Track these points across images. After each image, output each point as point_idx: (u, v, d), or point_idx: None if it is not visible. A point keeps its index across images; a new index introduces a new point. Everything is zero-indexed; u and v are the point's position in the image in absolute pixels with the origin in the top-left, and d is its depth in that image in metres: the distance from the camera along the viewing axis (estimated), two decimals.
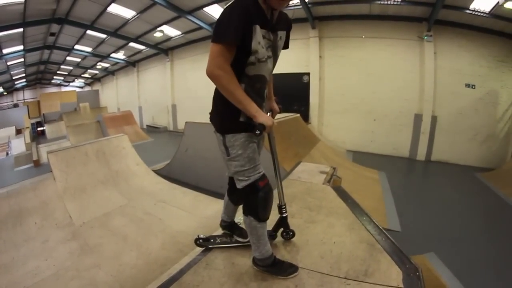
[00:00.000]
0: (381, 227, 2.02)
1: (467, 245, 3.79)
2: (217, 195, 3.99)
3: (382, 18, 9.00)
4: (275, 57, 1.45)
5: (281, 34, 1.44)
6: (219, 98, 1.41)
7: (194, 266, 1.70)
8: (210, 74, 1.25)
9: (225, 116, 1.43)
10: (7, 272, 2.52)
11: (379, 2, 8.21)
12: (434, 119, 8.82)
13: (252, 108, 1.32)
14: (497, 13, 7.33)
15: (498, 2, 6.86)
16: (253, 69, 1.35)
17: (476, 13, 7.59)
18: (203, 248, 1.87)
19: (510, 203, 5.45)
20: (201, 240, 1.86)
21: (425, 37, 8.51)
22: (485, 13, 7.51)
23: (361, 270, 1.58)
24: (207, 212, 3.54)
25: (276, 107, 1.80)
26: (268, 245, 1.55)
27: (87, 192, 3.88)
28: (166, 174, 5.19)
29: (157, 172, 5.17)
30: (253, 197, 1.43)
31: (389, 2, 8.09)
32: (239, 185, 1.46)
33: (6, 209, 3.20)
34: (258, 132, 1.32)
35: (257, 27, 1.27)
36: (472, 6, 7.46)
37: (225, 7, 1.27)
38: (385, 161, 8.52)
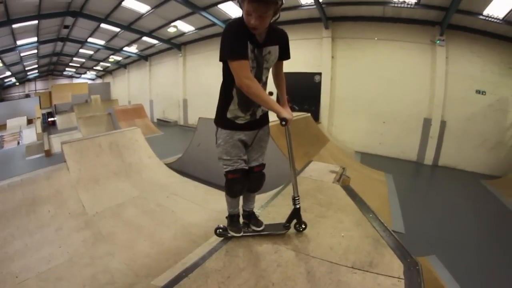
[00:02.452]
0: (385, 225, 2.11)
1: (468, 250, 3.83)
2: None
3: (395, 21, 8.99)
4: (258, 68, 1.67)
5: (271, 49, 1.67)
6: (219, 96, 1.77)
7: (215, 253, 1.82)
8: (241, 85, 1.54)
9: (218, 112, 1.78)
10: (22, 258, 2.57)
11: (393, 5, 8.20)
12: (443, 124, 8.80)
13: (276, 106, 1.62)
14: (510, 19, 7.28)
15: None
16: None
17: (490, 19, 7.54)
18: (222, 238, 1.99)
19: None
20: (221, 230, 1.99)
21: (437, 41, 8.47)
22: (498, 19, 7.47)
23: (366, 261, 1.70)
24: (218, 206, 3.58)
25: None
26: (233, 207, 1.94)
27: (100, 183, 3.93)
28: (178, 168, 5.26)
29: (169, 165, 5.24)
30: (225, 182, 1.84)
31: (402, 5, 8.08)
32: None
33: (20, 196, 3.23)
34: (284, 123, 1.64)
35: (248, 43, 1.55)
36: (485, 12, 7.43)
37: (224, 29, 1.56)
38: (393, 163, 8.55)
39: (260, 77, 1.69)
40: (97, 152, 4.32)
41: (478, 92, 8.49)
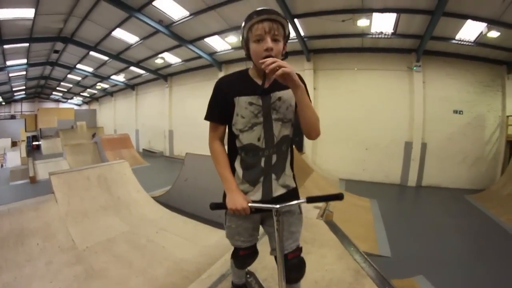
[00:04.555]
0: (365, 256, 2.31)
1: (456, 267, 3.92)
2: (216, 224, 4.10)
3: (373, 51, 9.42)
4: (266, 122, 1.35)
5: (282, 94, 1.35)
6: None
7: None
8: (209, 148, 1.45)
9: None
10: None
11: (371, 36, 8.61)
12: (424, 146, 9.13)
13: (226, 185, 1.38)
14: (481, 41, 7.84)
15: (481, 32, 7.35)
16: (240, 140, 1.37)
17: (462, 42, 8.09)
18: (215, 275, 2.08)
19: (499, 222, 5.66)
20: None
21: (414, 68, 8.94)
22: (470, 42, 8.02)
23: None
24: (208, 241, 3.62)
25: None
26: (239, 278, 1.85)
27: (89, 216, 3.88)
28: (165, 201, 5.22)
29: (156, 199, 5.22)
30: (233, 252, 1.63)
31: (380, 36, 8.50)
32: None
33: (7, 226, 3.14)
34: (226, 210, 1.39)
35: (239, 98, 1.33)
36: (458, 36, 7.98)
37: None
38: (377, 188, 8.69)
39: (271, 134, 1.36)
40: (86, 185, 4.28)
41: (455, 112, 8.95)
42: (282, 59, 1.26)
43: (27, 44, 11.55)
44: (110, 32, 10.65)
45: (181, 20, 9.16)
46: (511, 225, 5.41)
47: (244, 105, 1.34)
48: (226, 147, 1.46)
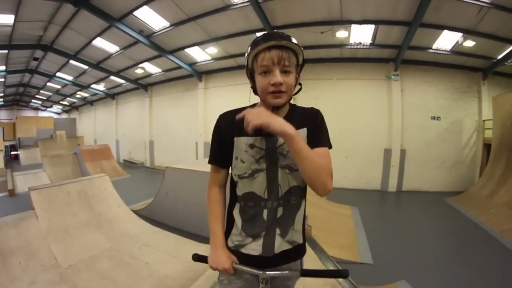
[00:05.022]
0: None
1: (437, 269, 3.99)
2: (198, 237, 4.13)
3: (352, 61, 9.63)
4: (271, 168, 1.11)
5: None
6: None
7: None
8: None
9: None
10: None
11: (350, 47, 8.81)
12: (403, 152, 9.37)
13: (211, 240, 1.19)
14: (457, 50, 8.19)
15: (457, 41, 7.68)
16: (239, 187, 1.16)
17: (439, 51, 8.41)
18: None
19: (478, 223, 5.84)
20: None
21: (392, 77, 9.21)
22: (447, 51, 8.35)
23: None
24: (190, 256, 3.57)
25: None
26: None
27: (70, 233, 3.83)
28: (147, 215, 5.22)
29: (137, 212, 5.20)
30: None
31: (359, 46, 8.71)
32: None
33: None
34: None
35: (239, 138, 1.12)
36: (435, 46, 8.29)
37: None
38: (358, 195, 8.77)
39: (275, 184, 1.12)
40: (66, 200, 4.23)
41: (433, 118, 9.27)
42: (297, 92, 1.17)
43: (5, 51, 11.29)
44: (91, 41, 10.52)
45: (161, 31, 9.16)
46: (490, 225, 5.59)
47: (243, 147, 1.12)
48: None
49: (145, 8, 7.96)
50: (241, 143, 1.12)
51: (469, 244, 5.04)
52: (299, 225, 1.21)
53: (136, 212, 5.18)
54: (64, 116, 27.67)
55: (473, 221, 6.05)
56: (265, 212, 1.14)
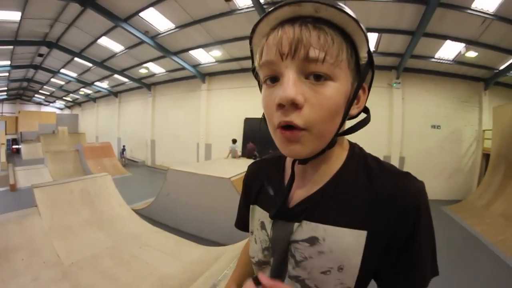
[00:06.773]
0: None
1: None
2: (197, 239, 4.20)
3: None
4: (278, 270, 0.63)
5: (323, 229, 0.57)
6: None
7: None
8: None
9: None
10: None
11: None
12: (402, 159, 9.39)
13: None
14: (459, 60, 8.22)
15: (460, 52, 7.71)
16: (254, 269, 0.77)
17: (441, 61, 8.45)
18: None
19: (473, 233, 5.83)
20: None
21: (394, 85, 9.24)
22: (449, 60, 8.39)
23: None
24: (190, 257, 3.70)
25: None
26: None
27: (73, 231, 3.88)
28: (147, 215, 5.30)
29: (138, 212, 5.25)
30: None
31: None
32: None
33: None
34: None
35: (254, 208, 0.74)
36: (437, 55, 8.32)
37: None
38: None
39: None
40: (69, 199, 4.29)
41: (433, 127, 9.29)
42: (359, 126, 0.62)
43: (11, 47, 11.39)
44: (96, 40, 10.59)
45: (166, 32, 9.23)
46: (485, 235, 5.58)
47: (257, 223, 0.71)
48: None
49: (151, 10, 8.05)
50: (256, 214, 0.72)
51: (462, 253, 5.03)
52: None
53: (136, 211, 5.24)
54: (67, 112, 27.69)
55: (469, 230, 6.05)
56: None
